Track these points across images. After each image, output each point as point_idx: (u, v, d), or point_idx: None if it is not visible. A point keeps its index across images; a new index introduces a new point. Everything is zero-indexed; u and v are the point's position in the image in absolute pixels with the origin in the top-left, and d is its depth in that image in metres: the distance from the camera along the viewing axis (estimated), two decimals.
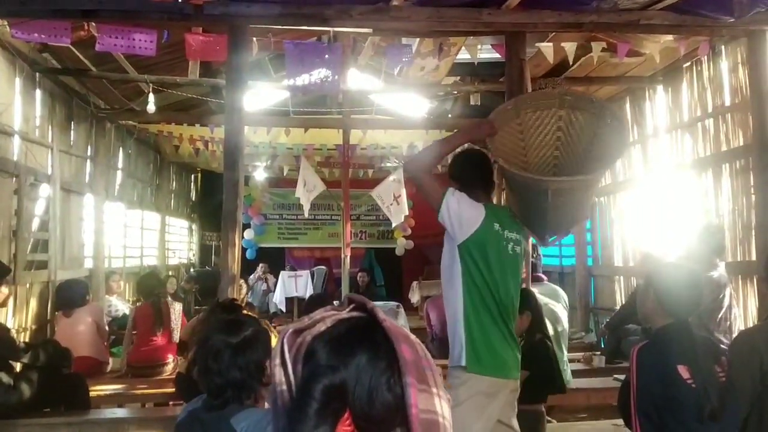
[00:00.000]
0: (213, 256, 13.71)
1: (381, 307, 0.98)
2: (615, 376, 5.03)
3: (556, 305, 4.54)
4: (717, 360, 2.45)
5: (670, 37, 5.26)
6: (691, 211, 6.39)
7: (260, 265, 11.97)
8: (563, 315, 4.60)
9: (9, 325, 5.27)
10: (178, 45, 5.78)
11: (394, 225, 11.18)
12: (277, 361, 0.92)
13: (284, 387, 0.91)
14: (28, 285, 6.08)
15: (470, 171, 3.14)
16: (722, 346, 3.93)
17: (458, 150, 3.36)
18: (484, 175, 3.14)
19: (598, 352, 6.16)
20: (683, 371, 2.34)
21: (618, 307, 7.11)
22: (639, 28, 4.85)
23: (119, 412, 4.70)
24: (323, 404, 0.87)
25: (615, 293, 7.94)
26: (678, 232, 6.47)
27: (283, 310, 11.26)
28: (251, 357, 1.98)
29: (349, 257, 8.55)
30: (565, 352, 4.72)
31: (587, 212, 3.37)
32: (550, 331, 4.13)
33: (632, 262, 7.47)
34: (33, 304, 6.21)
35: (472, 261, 2.92)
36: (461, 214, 2.91)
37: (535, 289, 4.19)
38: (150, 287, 6.04)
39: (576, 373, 5.08)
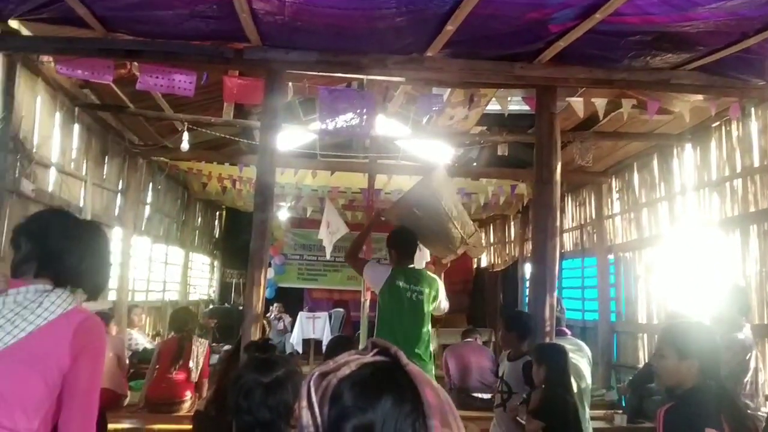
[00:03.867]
0: (233, 294, 13.75)
1: None
2: None
3: (581, 360, 4.47)
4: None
5: (700, 97, 5.29)
6: (718, 271, 6.31)
7: (275, 304, 11.98)
8: (587, 371, 4.53)
9: None
10: (213, 86, 5.94)
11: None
12: (304, 403, 0.94)
13: (311, 429, 0.92)
14: None
15: (393, 242, 4.75)
16: (748, 411, 3.86)
17: (397, 227, 4.84)
18: (402, 245, 4.69)
19: (620, 411, 6.04)
20: None
21: (641, 365, 7.00)
22: (669, 87, 4.89)
23: None
24: None
25: (638, 350, 7.82)
26: (704, 291, 6.39)
27: (300, 351, 11.21)
28: (281, 397, 1.99)
29: (368, 301, 8.53)
30: (587, 409, 4.64)
31: (438, 239, 4.79)
32: (574, 387, 4.07)
33: (657, 319, 7.37)
34: None
35: (383, 302, 4.57)
36: (372, 278, 4.73)
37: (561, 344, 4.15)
38: (183, 322, 5.96)
39: None
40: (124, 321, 7.74)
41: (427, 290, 4.54)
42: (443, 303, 4.74)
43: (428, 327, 4.60)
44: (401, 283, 4.50)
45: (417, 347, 4.46)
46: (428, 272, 4.80)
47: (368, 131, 5.38)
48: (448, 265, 5.07)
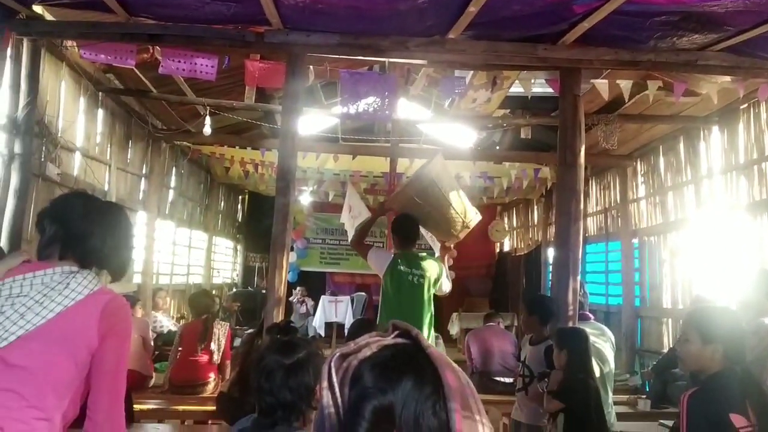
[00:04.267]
0: (255, 277, 13.86)
1: None
2: (661, 421, 4.89)
3: (604, 345, 4.45)
4: None
5: (728, 78, 5.19)
6: (745, 255, 6.22)
7: (298, 288, 12.06)
8: (610, 355, 4.50)
9: None
10: (234, 70, 5.95)
11: (436, 255, 11.13)
12: (325, 384, 0.95)
13: (332, 409, 0.93)
14: None
15: (395, 229, 4.91)
16: None
17: (399, 214, 5.00)
18: (403, 232, 4.83)
19: (644, 396, 6.00)
20: (736, 419, 2.27)
21: (665, 351, 6.93)
22: (696, 69, 4.80)
23: (161, 428, 4.74)
24: (372, 424, 0.89)
25: (662, 335, 7.75)
26: (730, 276, 6.31)
27: (322, 334, 11.28)
28: (302, 379, 2.00)
29: None
30: (611, 394, 4.62)
31: (438, 224, 4.91)
32: (596, 371, 4.05)
33: (682, 304, 7.29)
34: None
35: (385, 286, 4.75)
36: (376, 263, 4.86)
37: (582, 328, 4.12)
38: (206, 305, 6.02)
39: (620, 416, 4.95)
40: (148, 304, 7.83)
41: (428, 273, 4.70)
42: (445, 285, 4.91)
43: (430, 309, 4.79)
44: (403, 267, 4.69)
45: (418, 328, 4.76)
46: (430, 256, 5.00)
47: (390, 115, 5.36)
48: (452, 247, 5.15)
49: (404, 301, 4.66)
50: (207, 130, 7.19)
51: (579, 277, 4.72)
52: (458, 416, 0.89)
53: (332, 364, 0.96)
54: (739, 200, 6.40)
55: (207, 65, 4.96)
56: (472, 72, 5.78)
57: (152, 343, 6.39)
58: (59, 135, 5.55)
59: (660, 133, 7.70)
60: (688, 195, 7.42)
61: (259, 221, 12.03)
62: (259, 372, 2.01)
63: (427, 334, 4.74)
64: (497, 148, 9.61)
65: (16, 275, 1.82)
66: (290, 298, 11.49)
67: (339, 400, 0.93)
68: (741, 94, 5.37)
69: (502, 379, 6.55)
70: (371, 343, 0.98)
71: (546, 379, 3.98)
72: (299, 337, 2.21)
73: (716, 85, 5.35)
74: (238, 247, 14.38)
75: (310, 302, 12.00)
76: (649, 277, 8.32)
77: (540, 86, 6.01)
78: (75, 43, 5.19)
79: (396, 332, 1.02)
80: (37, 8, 4.57)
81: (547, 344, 4.19)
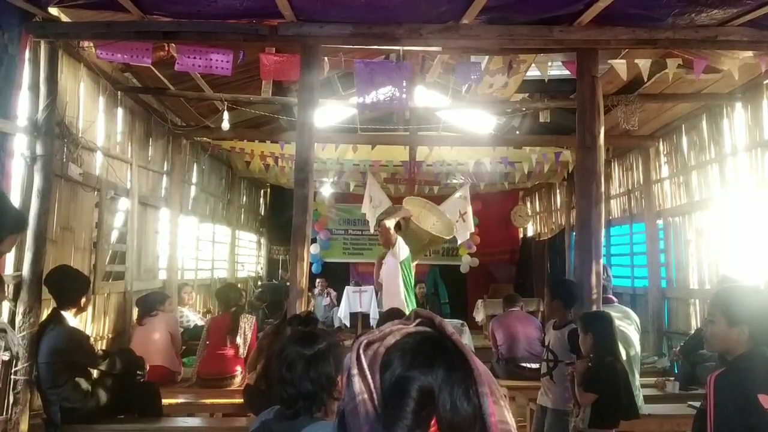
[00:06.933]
0: (279, 270, 13.94)
1: None
2: (690, 403, 4.85)
3: (628, 328, 4.41)
4: None
5: (750, 53, 5.08)
6: None
7: (318, 280, 12.10)
8: (635, 338, 4.47)
9: (88, 333, 5.47)
10: (251, 65, 5.97)
11: (459, 242, 11.14)
12: (355, 371, 0.95)
13: (365, 396, 0.93)
14: (106, 295, 6.31)
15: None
16: None
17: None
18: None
19: (672, 378, 5.95)
20: (764, 400, 2.23)
21: (693, 332, 6.86)
22: (717, 45, 4.72)
23: (190, 421, 4.81)
24: (419, 404, 0.90)
25: (690, 317, 7.65)
26: (757, 255, 6.20)
27: (348, 325, 11.33)
28: (323, 370, 2.01)
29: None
30: (637, 377, 4.59)
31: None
32: (622, 354, 4.01)
33: (709, 284, 7.19)
34: (110, 313, 6.45)
35: (404, 270, 6.53)
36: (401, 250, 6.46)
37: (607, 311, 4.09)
38: (234, 299, 6.09)
39: (648, 399, 4.91)
40: (174, 299, 7.91)
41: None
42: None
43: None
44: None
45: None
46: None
47: (407, 103, 5.34)
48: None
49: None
50: (225, 125, 7.22)
51: (602, 261, 4.68)
52: (490, 400, 0.92)
53: (360, 351, 0.98)
54: (765, 178, 6.28)
55: (222, 60, 4.98)
56: (487, 57, 5.74)
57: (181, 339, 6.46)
58: (80, 135, 5.61)
59: (681, 111, 7.57)
60: (713, 174, 7.29)
61: (282, 214, 12.09)
62: (280, 363, 2.03)
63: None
64: (517, 132, 9.54)
65: None
66: (312, 290, 11.55)
67: (372, 386, 0.94)
68: (764, 69, 5.25)
69: (528, 365, 6.53)
70: (395, 331, 1.00)
71: (571, 370, 3.95)
72: (320, 328, 2.23)
73: (738, 60, 5.25)
74: (262, 240, 14.46)
75: (333, 293, 12.05)
76: (675, 258, 8.21)
77: (557, 69, 5.95)
78: (92, 44, 5.23)
79: (418, 320, 1.04)
80: (53, 10, 4.62)
81: (570, 328, 4.17)
